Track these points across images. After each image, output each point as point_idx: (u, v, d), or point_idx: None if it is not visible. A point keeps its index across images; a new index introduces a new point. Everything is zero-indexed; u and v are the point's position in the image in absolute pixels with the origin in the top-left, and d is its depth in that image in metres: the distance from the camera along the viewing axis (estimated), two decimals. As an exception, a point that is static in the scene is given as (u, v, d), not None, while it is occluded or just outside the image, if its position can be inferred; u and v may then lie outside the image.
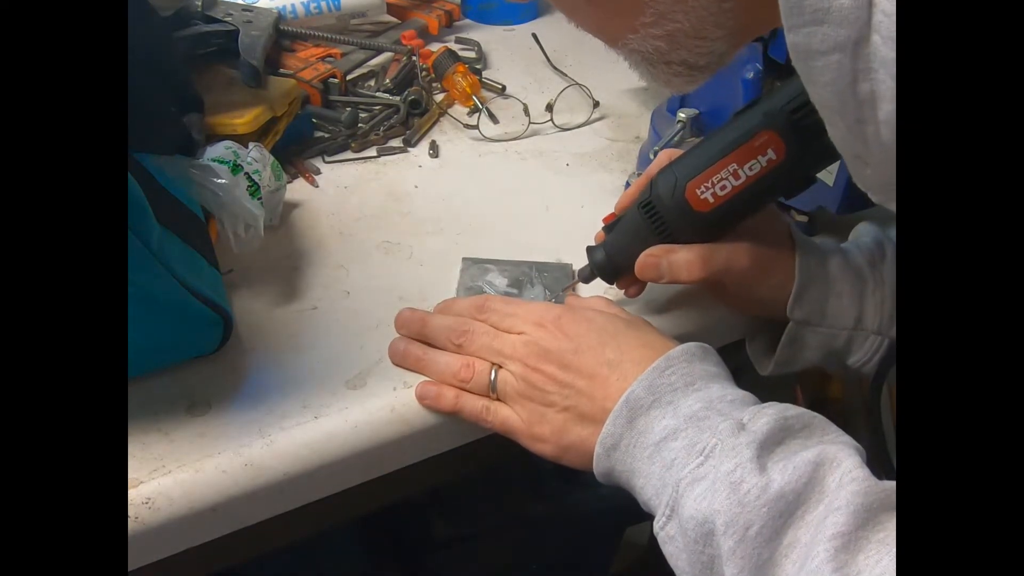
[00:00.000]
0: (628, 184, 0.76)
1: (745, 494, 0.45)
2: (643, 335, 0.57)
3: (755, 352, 0.68)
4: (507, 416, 0.57)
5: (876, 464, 0.61)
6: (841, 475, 0.45)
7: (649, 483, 0.50)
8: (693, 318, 0.67)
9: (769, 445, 0.47)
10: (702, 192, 0.57)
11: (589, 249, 0.64)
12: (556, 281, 0.68)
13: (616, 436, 0.52)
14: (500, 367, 0.57)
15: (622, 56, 0.51)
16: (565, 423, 0.55)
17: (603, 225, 0.64)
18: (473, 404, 0.57)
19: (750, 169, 0.56)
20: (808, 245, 0.62)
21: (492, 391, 0.57)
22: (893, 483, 0.44)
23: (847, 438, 0.48)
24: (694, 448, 0.48)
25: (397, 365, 0.61)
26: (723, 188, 0.57)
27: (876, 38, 0.39)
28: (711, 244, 0.60)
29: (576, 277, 0.66)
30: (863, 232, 0.66)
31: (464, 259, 0.70)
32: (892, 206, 0.48)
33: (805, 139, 0.55)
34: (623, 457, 0.52)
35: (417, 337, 0.61)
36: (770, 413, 0.49)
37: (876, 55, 0.39)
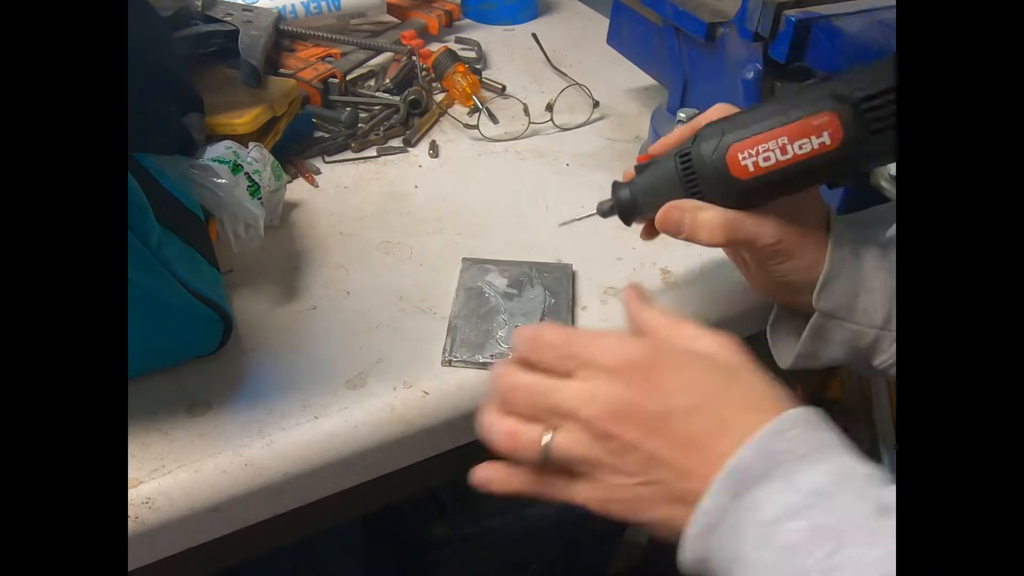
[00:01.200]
0: (680, 123, 0.72)
1: None
2: (749, 393, 0.45)
3: (777, 343, 0.64)
4: (572, 494, 0.46)
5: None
6: None
7: (757, 573, 0.39)
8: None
9: None
10: (744, 158, 0.54)
11: (615, 185, 0.61)
12: (556, 281, 0.68)
13: (717, 514, 0.41)
14: (556, 429, 0.45)
15: None
16: (648, 501, 0.44)
17: (636, 163, 0.61)
18: (521, 480, 0.48)
19: (800, 147, 0.53)
20: (844, 235, 0.58)
21: (545, 464, 0.46)
22: None
23: None
24: (820, 531, 0.38)
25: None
26: (766, 159, 0.53)
27: None
28: (739, 212, 0.56)
29: (595, 210, 0.62)
30: None
31: (464, 259, 0.70)
32: None
33: (867, 132, 0.51)
34: (723, 541, 0.41)
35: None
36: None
37: None
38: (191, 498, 0.52)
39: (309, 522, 0.59)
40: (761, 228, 0.56)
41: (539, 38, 1.06)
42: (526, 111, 0.90)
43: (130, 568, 0.52)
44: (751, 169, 0.54)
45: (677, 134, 0.59)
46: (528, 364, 0.48)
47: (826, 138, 0.52)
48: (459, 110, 0.94)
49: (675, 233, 0.57)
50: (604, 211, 0.61)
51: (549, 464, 0.46)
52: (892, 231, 0.65)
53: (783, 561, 0.38)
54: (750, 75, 0.70)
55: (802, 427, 0.42)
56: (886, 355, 0.59)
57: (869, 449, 1.08)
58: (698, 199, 0.57)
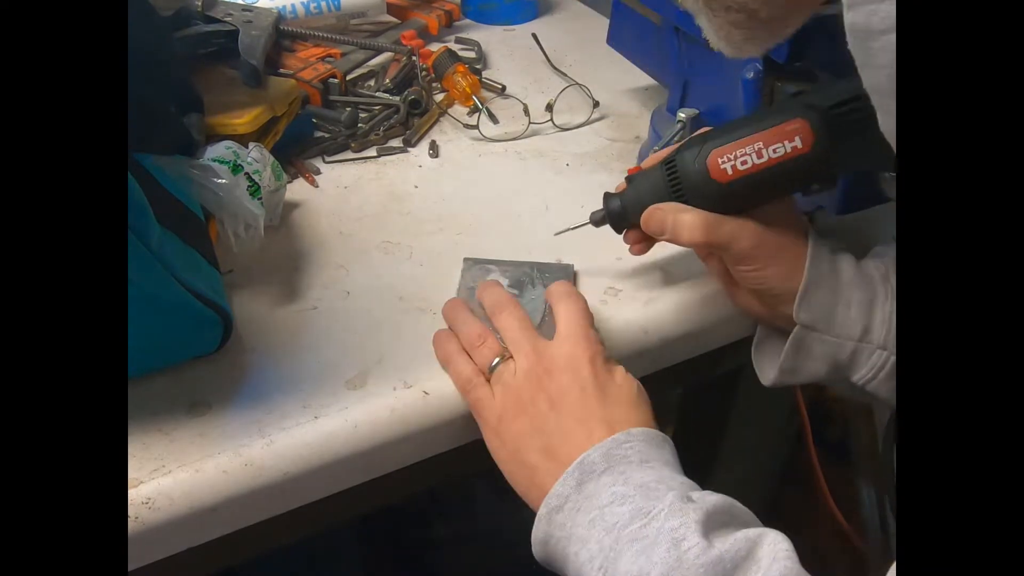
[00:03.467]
0: (672, 141, 0.77)
1: (685, 551, 0.45)
2: (641, 414, 0.56)
3: (760, 361, 0.67)
4: (483, 398, 0.56)
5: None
6: (776, 552, 0.45)
7: (585, 547, 0.49)
8: (697, 316, 0.67)
9: (714, 518, 0.47)
10: (723, 162, 0.58)
11: (607, 195, 0.65)
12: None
13: (563, 497, 0.51)
14: (510, 357, 0.57)
15: (682, 1, 0.51)
16: (531, 440, 0.54)
17: (626, 175, 0.65)
18: (463, 369, 0.58)
19: (774, 151, 0.57)
20: (822, 248, 0.62)
21: (488, 371, 0.57)
22: None
23: (780, 533, 0.49)
24: (639, 511, 0.48)
25: (444, 316, 0.63)
26: (744, 163, 0.58)
27: None
28: (720, 215, 0.60)
29: (588, 220, 0.66)
30: (880, 250, 0.65)
31: (465, 259, 0.70)
32: None
33: (836, 137, 0.56)
34: (564, 521, 0.51)
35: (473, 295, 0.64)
36: (719, 496, 0.49)
37: None
38: (191, 498, 0.52)
39: (309, 522, 0.59)
40: (740, 231, 0.59)
41: (539, 38, 1.06)
42: (526, 111, 0.90)
43: (130, 568, 0.52)
44: (730, 172, 0.58)
45: (667, 149, 0.64)
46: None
47: (798, 142, 0.57)
48: (459, 110, 0.94)
49: (658, 233, 0.61)
50: (596, 220, 0.66)
51: (488, 374, 0.57)
52: (876, 249, 0.66)
53: (606, 535, 0.48)
54: (750, 75, 0.70)
55: (642, 443, 0.52)
56: (864, 369, 0.61)
57: (868, 448, 1.08)
58: (683, 203, 0.61)
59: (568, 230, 0.68)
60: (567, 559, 0.50)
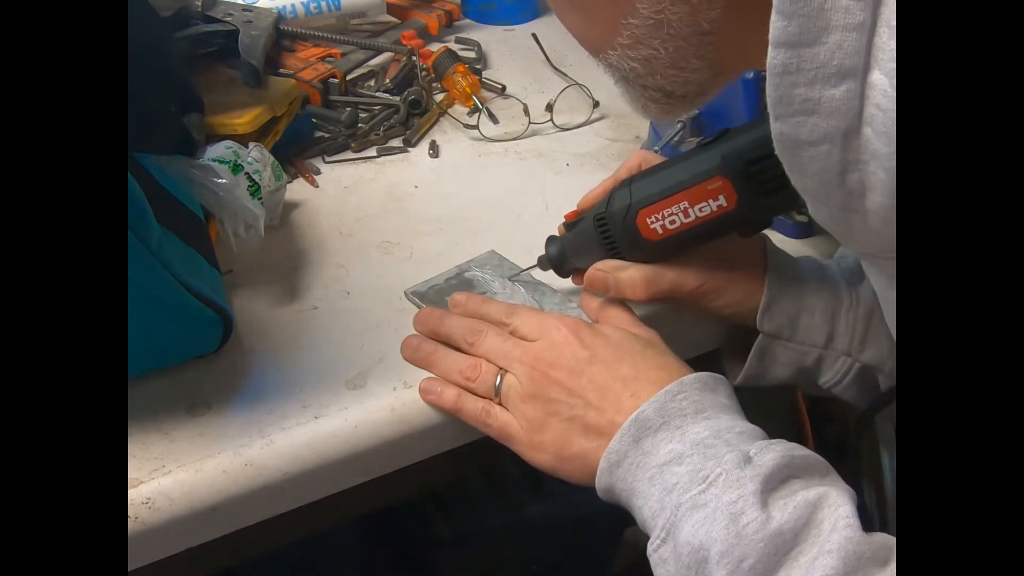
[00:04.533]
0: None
1: (744, 527, 0.45)
2: (661, 357, 0.56)
3: (728, 364, 0.67)
4: (507, 422, 0.56)
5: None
6: (836, 519, 0.45)
7: (647, 504, 0.50)
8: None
9: (773, 482, 0.47)
10: (652, 222, 0.58)
11: (549, 240, 0.65)
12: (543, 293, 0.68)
13: (621, 453, 0.51)
14: (508, 371, 0.56)
15: (603, 68, 0.51)
16: (569, 433, 0.54)
17: (564, 220, 0.65)
18: (474, 405, 0.56)
19: (700, 210, 0.57)
20: (781, 261, 0.62)
21: (496, 395, 0.56)
22: (881, 537, 0.45)
23: (845, 484, 0.48)
24: (698, 475, 0.48)
25: (407, 360, 0.60)
26: (672, 223, 0.58)
27: (868, 130, 0.39)
28: (658, 266, 0.60)
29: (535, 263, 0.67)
30: (847, 253, 0.66)
31: (407, 293, 0.67)
32: (875, 268, 0.49)
33: (758, 192, 0.55)
34: (625, 475, 0.51)
35: (432, 335, 0.61)
36: (777, 450, 0.48)
37: (867, 147, 0.40)
38: (191, 498, 0.52)
39: (309, 522, 0.59)
40: (682, 277, 0.60)
41: (539, 38, 1.05)
42: (526, 111, 0.90)
43: (130, 568, 0.52)
44: (660, 232, 0.59)
45: (598, 189, 0.65)
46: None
47: (723, 200, 0.57)
48: (459, 110, 0.94)
49: (603, 291, 0.62)
50: (543, 264, 0.66)
51: (497, 397, 0.56)
52: (841, 253, 0.67)
53: (666, 496, 0.49)
54: (750, 75, 0.70)
55: (695, 391, 0.52)
56: (831, 374, 0.62)
57: (868, 448, 1.08)
58: (619, 258, 0.61)
59: (521, 272, 0.68)
60: (632, 509, 0.52)
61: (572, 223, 0.64)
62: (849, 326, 0.60)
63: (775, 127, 0.42)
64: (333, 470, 0.56)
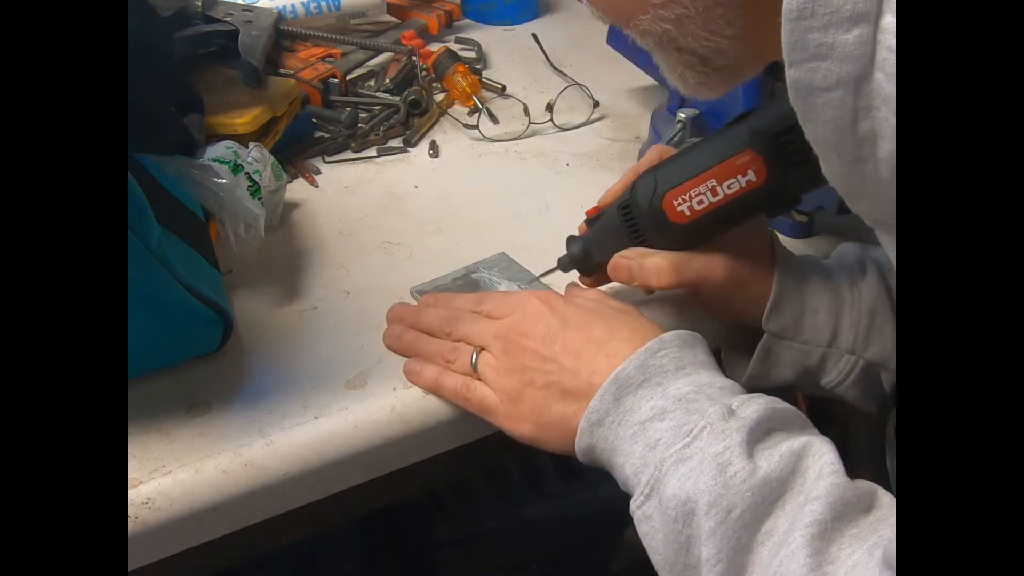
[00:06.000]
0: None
1: (731, 476, 0.45)
2: (633, 320, 0.56)
3: (730, 365, 0.66)
4: (485, 395, 0.56)
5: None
6: (821, 466, 0.46)
7: (629, 462, 0.50)
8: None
9: (757, 433, 0.48)
10: (679, 204, 0.57)
11: (570, 239, 0.64)
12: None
13: (602, 412, 0.51)
14: (484, 349, 0.57)
15: (636, 38, 0.51)
16: (546, 400, 0.54)
17: (586, 218, 0.64)
18: (453, 381, 0.57)
19: (729, 187, 0.56)
20: (788, 259, 0.62)
21: (474, 371, 0.57)
22: (865, 484, 0.46)
23: (823, 436, 0.49)
24: (681, 429, 0.48)
25: (389, 348, 0.61)
26: (700, 203, 0.56)
27: (879, 75, 0.39)
28: (686, 253, 0.59)
29: (556, 265, 0.65)
30: (846, 251, 0.66)
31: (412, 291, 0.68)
32: (889, 237, 0.49)
33: (789, 164, 0.54)
34: (606, 434, 0.51)
35: (412, 327, 0.61)
36: (760, 402, 0.49)
37: (879, 92, 0.39)
38: (191, 498, 0.52)
39: (309, 522, 0.59)
40: (708, 265, 0.59)
41: (539, 38, 1.05)
42: (526, 111, 0.90)
43: (130, 568, 0.52)
44: (687, 214, 0.57)
45: (619, 184, 0.63)
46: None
47: (752, 175, 0.55)
48: (459, 110, 0.94)
49: (627, 281, 0.61)
50: (564, 265, 0.64)
51: (474, 373, 0.56)
52: (840, 252, 0.66)
53: (649, 452, 0.49)
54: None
55: (675, 348, 0.52)
56: (834, 373, 0.62)
57: (868, 448, 1.08)
58: (645, 246, 0.60)
59: (540, 277, 0.67)
60: (612, 468, 0.52)
61: (593, 218, 0.63)
62: (852, 323, 0.60)
63: (789, 74, 0.41)
64: (333, 470, 0.56)
